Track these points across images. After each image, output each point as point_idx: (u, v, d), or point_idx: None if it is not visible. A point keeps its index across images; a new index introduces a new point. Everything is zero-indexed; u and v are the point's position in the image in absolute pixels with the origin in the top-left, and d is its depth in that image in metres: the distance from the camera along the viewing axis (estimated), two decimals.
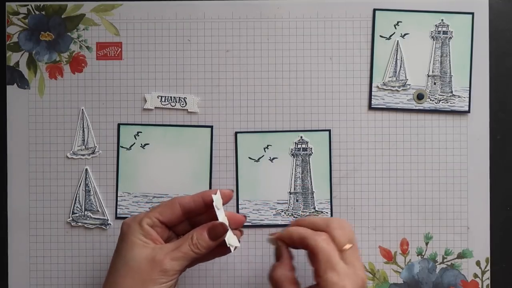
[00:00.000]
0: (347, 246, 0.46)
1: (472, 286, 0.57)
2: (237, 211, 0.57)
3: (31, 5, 0.58)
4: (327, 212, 0.57)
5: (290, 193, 0.57)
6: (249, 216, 0.57)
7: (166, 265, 0.45)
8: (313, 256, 0.46)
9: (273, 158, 0.57)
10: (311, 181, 0.57)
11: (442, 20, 0.57)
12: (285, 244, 0.49)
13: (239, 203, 0.57)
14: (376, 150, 0.57)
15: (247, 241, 0.57)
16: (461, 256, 0.57)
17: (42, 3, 0.57)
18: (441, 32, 0.57)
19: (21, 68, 0.58)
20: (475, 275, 0.57)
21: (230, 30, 0.57)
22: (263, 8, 0.57)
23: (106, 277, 0.47)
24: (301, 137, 0.57)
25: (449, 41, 0.57)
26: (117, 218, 0.57)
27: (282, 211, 0.57)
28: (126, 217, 0.57)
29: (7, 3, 0.58)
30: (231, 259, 0.57)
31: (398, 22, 0.57)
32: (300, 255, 0.50)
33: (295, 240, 0.47)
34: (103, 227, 0.57)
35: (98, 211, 0.57)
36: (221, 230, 0.47)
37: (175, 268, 0.45)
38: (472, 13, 0.57)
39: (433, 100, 0.57)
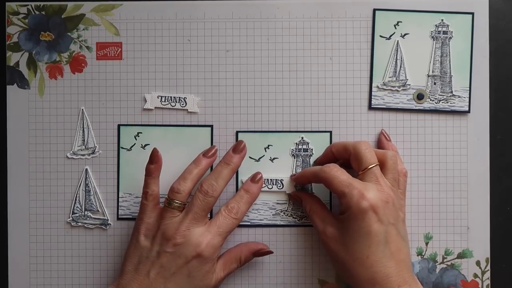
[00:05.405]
0: (372, 165, 0.51)
1: (472, 286, 0.57)
2: None
3: (31, 5, 0.57)
4: None
5: (290, 193, 0.57)
6: (248, 216, 0.57)
7: None
8: (329, 185, 0.51)
9: (274, 158, 0.57)
10: None
11: (442, 20, 0.57)
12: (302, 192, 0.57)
13: None
14: None
15: (247, 241, 0.57)
16: (461, 256, 0.57)
17: (42, 3, 0.57)
18: (441, 32, 0.57)
19: (21, 68, 0.58)
20: (475, 275, 0.57)
21: (230, 30, 0.57)
22: (263, 8, 0.57)
23: (161, 276, 0.51)
24: (302, 138, 0.57)
25: (449, 41, 0.57)
26: (118, 219, 0.57)
27: (281, 211, 0.57)
28: (128, 218, 0.57)
29: (7, 3, 0.57)
30: None
31: (398, 22, 0.57)
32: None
33: (310, 177, 0.54)
34: (103, 227, 0.57)
35: (98, 211, 0.57)
36: (265, 253, 0.55)
37: None
38: (472, 13, 0.57)
39: (433, 100, 0.57)
